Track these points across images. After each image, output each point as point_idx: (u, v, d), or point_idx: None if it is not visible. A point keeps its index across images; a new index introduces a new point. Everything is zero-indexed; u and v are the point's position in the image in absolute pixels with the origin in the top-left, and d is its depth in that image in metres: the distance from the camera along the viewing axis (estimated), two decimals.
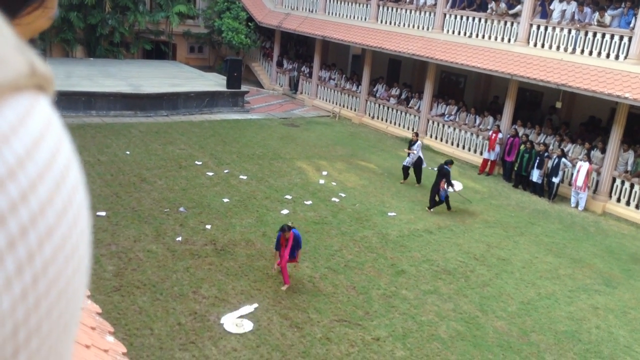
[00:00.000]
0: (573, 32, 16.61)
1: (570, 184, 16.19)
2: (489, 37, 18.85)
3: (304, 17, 25.96)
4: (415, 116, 21.55)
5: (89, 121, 19.17)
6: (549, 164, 16.27)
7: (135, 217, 11.95)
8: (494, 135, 18.00)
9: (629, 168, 15.57)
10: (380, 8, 22.75)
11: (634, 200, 15.39)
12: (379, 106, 23.00)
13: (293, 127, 21.70)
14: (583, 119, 18.96)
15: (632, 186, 15.46)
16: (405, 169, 16.05)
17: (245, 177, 15.12)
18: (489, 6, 18.91)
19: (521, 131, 17.91)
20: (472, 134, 19.54)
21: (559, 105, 17.93)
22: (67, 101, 19.30)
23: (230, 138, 18.92)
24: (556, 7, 17.26)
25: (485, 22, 18.96)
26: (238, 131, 19.97)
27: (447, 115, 20.58)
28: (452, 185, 14.15)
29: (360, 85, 23.90)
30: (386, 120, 22.69)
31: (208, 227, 11.83)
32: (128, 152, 16.17)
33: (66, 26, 26.38)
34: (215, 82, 24.46)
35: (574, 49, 16.56)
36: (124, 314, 8.53)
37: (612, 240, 13.78)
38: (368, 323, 9.03)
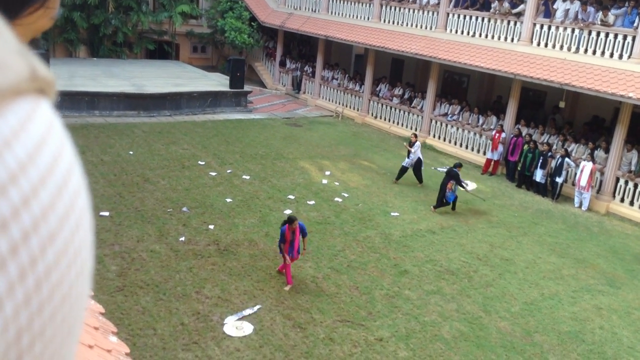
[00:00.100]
0: (576, 31, 16.57)
1: (573, 184, 16.16)
2: (492, 37, 18.83)
3: (306, 17, 25.96)
4: (418, 116, 21.53)
5: (92, 121, 19.20)
6: (553, 163, 16.24)
7: (138, 217, 11.96)
8: (497, 135, 17.98)
9: (633, 168, 15.53)
10: (383, 7, 22.73)
11: (637, 200, 15.35)
12: (382, 106, 22.98)
13: (296, 127, 21.70)
14: (586, 119, 18.91)
15: (635, 186, 15.42)
16: (403, 170, 15.93)
17: (248, 177, 15.12)
18: (492, 5, 18.88)
19: (524, 131, 17.88)
20: (475, 133, 19.52)
21: (562, 104, 17.89)
22: (70, 101, 19.35)
23: (233, 138, 18.93)
24: (559, 7, 17.22)
25: (489, 21, 18.94)
26: (241, 131, 19.99)
27: (450, 115, 20.56)
28: (465, 185, 14.19)
29: (363, 84, 23.89)
30: (389, 120, 22.67)
31: (211, 227, 11.84)
32: (131, 152, 16.20)
33: (69, 26, 26.45)
34: (218, 82, 24.48)
35: (578, 49, 16.52)
36: (127, 314, 8.54)
37: (616, 241, 13.75)
38: (371, 323, 9.03)
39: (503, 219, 14.27)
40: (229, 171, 15.46)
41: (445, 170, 17.42)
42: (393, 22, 22.33)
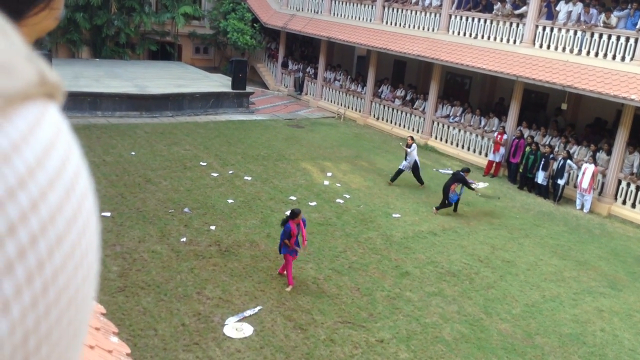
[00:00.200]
0: (579, 33, 16.56)
1: (575, 186, 16.14)
2: (495, 39, 18.82)
3: (309, 18, 25.97)
4: (420, 117, 21.51)
5: (94, 122, 19.22)
6: (554, 165, 16.22)
7: (140, 217, 11.97)
8: (499, 136, 17.97)
9: (635, 170, 15.51)
10: (386, 9, 22.74)
11: (639, 203, 15.32)
12: (384, 107, 22.98)
13: (298, 128, 21.70)
14: (589, 121, 18.90)
15: (637, 188, 15.40)
16: (399, 172, 15.87)
17: (249, 178, 15.13)
18: (495, 7, 18.87)
19: (526, 133, 17.86)
20: (477, 135, 19.50)
21: (564, 106, 17.87)
22: (73, 102, 19.35)
23: (235, 139, 18.94)
24: (562, 8, 17.21)
25: (491, 23, 18.93)
26: (243, 132, 19.99)
27: (452, 117, 20.54)
28: (474, 187, 14.17)
29: (365, 86, 23.89)
30: (391, 122, 22.66)
31: (212, 228, 11.84)
32: (133, 153, 16.21)
33: (72, 27, 26.47)
34: (220, 83, 24.49)
35: (580, 51, 16.51)
36: (128, 315, 8.54)
37: (618, 243, 13.73)
38: (372, 325, 9.02)
39: (504, 221, 14.26)
40: (230, 172, 15.47)
41: (447, 172, 17.47)
42: (395, 24, 22.33)
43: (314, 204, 13.81)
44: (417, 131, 21.39)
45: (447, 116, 20.68)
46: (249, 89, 24.22)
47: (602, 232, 14.39)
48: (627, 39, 15.49)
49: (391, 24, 22.50)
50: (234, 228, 11.96)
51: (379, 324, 9.05)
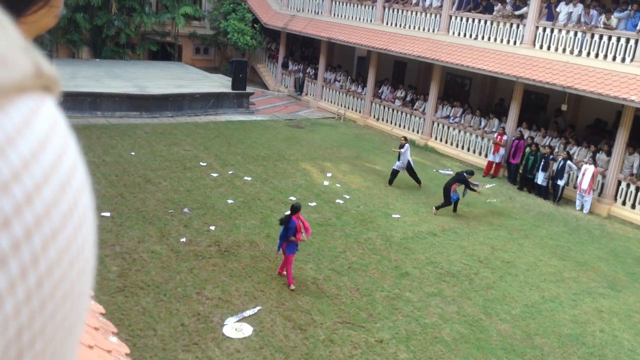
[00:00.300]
0: (579, 34, 16.57)
1: (575, 187, 16.14)
2: (495, 40, 18.82)
3: (309, 19, 25.98)
4: (420, 118, 21.51)
5: (94, 122, 19.22)
6: (554, 166, 16.22)
7: (139, 217, 11.97)
8: (499, 137, 17.97)
9: (635, 171, 15.51)
10: (386, 10, 22.74)
11: (639, 204, 15.33)
12: (384, 108, 22.98)
13: (298, 128, 21.70)
14: (589, 122, 18.90)
15: (637, 189, 15.40)
16: (395, 173, 15.85)
17: (249, 179, 15.13)
18: (495, 8, 18.87)
19: (526, 133, 17.87)
20: (477, 136, 19.50)
21: (564, 107, 17.86)
22: (72, 102, 19.36)
23: (235, 139, 18.94)
24: (562, 10, 17.21)
25: (491, 24, 18.93)
26: (243, 132, 19.99)
27: (452, 118, 20.54)
28: (475, 188, 14.13)
29: (365, 87, 23.90)
30: (391, 122, 22.66)
31: (212, 228, 11.84)
32: (133, 153, 16.21)
33: (72, 27, 26.49)
34: (220, 84, 24.50)
35: (580, 52, 16.52)
36: (128, 315, 8.54)
37: (617, 244, 13.73)
38: (371, 325, 9.02)
39: (504, 221, 14.26)
40: (230, 172, 15.47)
41: (447, 172, 17.47)
42: (396, 25, 22.33)
43: (313, 204, 13.81)
44: (417, 132, 21.39)
45: (447, 117, 20.69)
46: (249, 89, 24.23)
47: (601, 232, 14.39)
48: (627, 40, 15.50)
49: (391, 24, 22.50)
50: (234, 228, 11.96)
51: (378, 325, 9.05)
